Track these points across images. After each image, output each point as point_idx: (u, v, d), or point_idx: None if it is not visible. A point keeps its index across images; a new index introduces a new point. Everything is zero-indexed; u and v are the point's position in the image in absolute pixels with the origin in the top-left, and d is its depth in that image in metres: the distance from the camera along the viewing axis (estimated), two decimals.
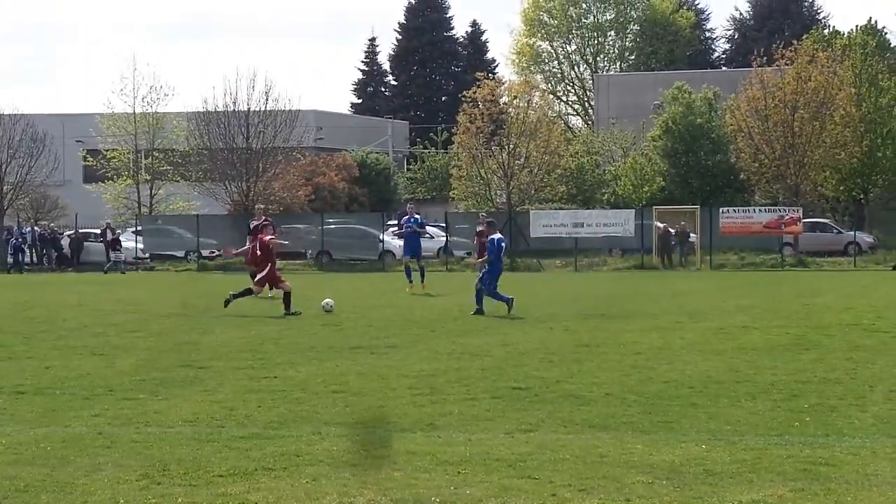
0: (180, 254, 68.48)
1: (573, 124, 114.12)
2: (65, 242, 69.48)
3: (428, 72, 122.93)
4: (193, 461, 11.87)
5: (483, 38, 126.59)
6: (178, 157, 75.89)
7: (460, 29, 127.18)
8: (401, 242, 47.22)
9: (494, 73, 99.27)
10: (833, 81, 65.92)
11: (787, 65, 67.35)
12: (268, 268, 30.63)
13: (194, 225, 67.71)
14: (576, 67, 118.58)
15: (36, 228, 70.09)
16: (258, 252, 31.39)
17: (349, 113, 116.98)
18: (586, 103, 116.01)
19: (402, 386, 16.80)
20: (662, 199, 68.93)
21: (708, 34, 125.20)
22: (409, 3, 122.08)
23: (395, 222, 45.23)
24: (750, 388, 16.35)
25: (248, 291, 30.78)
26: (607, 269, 60.44)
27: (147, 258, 68.28)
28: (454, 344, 22.27)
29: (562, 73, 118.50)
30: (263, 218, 39.46)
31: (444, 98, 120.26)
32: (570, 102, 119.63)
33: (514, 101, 72.67)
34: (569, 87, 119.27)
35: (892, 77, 72.29)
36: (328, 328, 25.91)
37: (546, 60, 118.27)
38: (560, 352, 20.76)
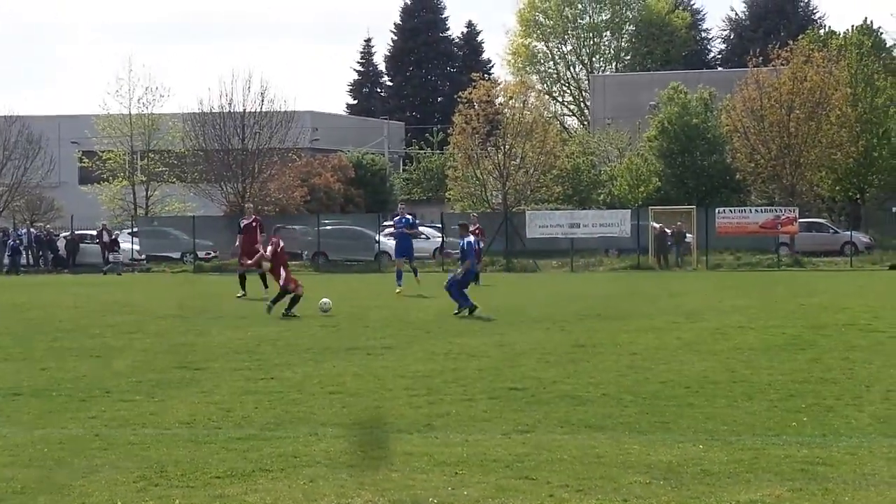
0: (176, 255, 68.46)
1: (569, 125, 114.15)
2: (61, 244, 69.47)
3: (424, 72, 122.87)
4: (191, 463, 11.87)
5: (479, 38, 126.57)
6: (174, 158, 75.81)
7: (456, 29, 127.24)
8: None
9: (490, 74, 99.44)
10: (829, 81, 65.97)
11: (782, 65, 67.40)
12: (283, 273, 30.34)
13: (190, 226, 67.71)
14: (571, 68, 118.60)
15: (32, 230, 70.08)
16: (278, 256, 31.01)
17: (345, 114, 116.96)
18: (582, 104, 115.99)
19: (399, 387, 16.80)
20: (658, 200, 68.92)
21: (704, 34, 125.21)
22: (405, 3, 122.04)
23: (391, 223, 45.47)
24: (747, 388, 16.36)
25: (284, 294, 30.21)
26: (603, 269, 60.45)
27: (143, 260, 68.29)
28: (450, 345, 22.27)
29: (557, 74, 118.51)
30: (253, 217, 39.48)
31: (439, 99, 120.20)
32: (566, 103, 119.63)
33: (510, 102, 72.69)
34: (564, 88, 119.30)
35: (888, 77, 72.35)
36: (325, 329, 25.90)
37: (542, 61, 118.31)
38: (556, 352, 20.76)
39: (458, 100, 71.82)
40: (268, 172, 69.60)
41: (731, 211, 63.24)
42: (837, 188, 71.86)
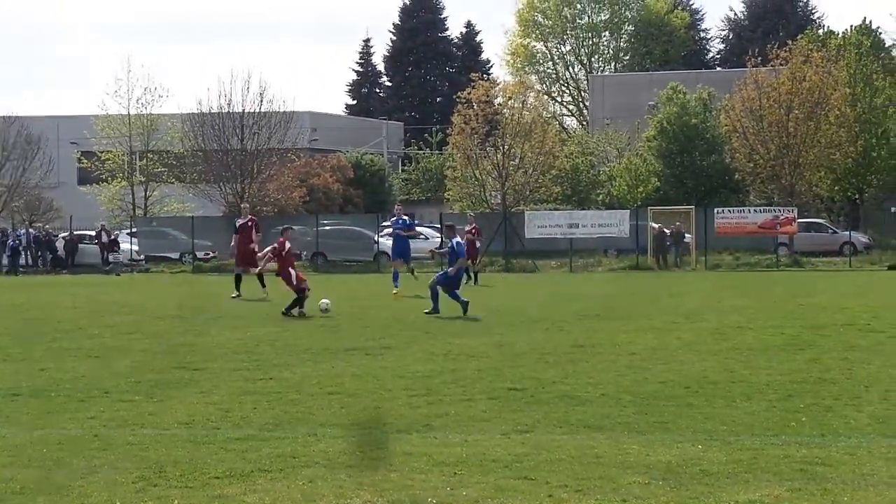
0: (175, 255, 68.49)
1: (568, 125, 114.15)
2: (59, 244, 69.48)
3: (422, 73, 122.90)
4: (189, 463, 11.87)
5: (477, 38, 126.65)
6: (173, 158, 75.85)
7: (455, 30, 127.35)
8: None
9: (489, 74, 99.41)
10: (828, 81, 65.98)
11: (781, 65, 67.41)
12: (291, 274, 30.31)
13: (189, 227, 67.74)
14: (570, 68, 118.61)
15: (31, 230, 70.09)
16: (283, 256, 30.98)
17: (344, 114, 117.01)
18: (581, 104, 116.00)
19: (398, 387, 16.80)
20: (657, 200, 68.94)
21: (702, 34, 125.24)
22: (404, 3, 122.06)
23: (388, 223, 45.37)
24: (745, 388, 16.36)
25: (302, 295, 30.14)
26: (602, 269, 60.45)
27: (142, 260, 68.32)
28: (450, 345, 22.26)
29: (556, 74, 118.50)
30: (249, 217, 39.44)
31: (438, 99, 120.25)
32: (565, 103, 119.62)
33: (509, 102, 72.73)
34: (563, 88, 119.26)
35: (887, 77, 72.38)
36: (323, 330, 25.90)
37: (541, 61, 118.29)
38: (556, 352, 20.76)
39: (457, 100, 71.82)
40: (267, 173, 69.63)
41: (729, 211, 63.25)
42: (836, 188, 71.89)
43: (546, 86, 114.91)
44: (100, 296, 41.05)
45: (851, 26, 77.15)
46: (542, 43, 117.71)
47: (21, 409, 15.35)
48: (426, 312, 28.99)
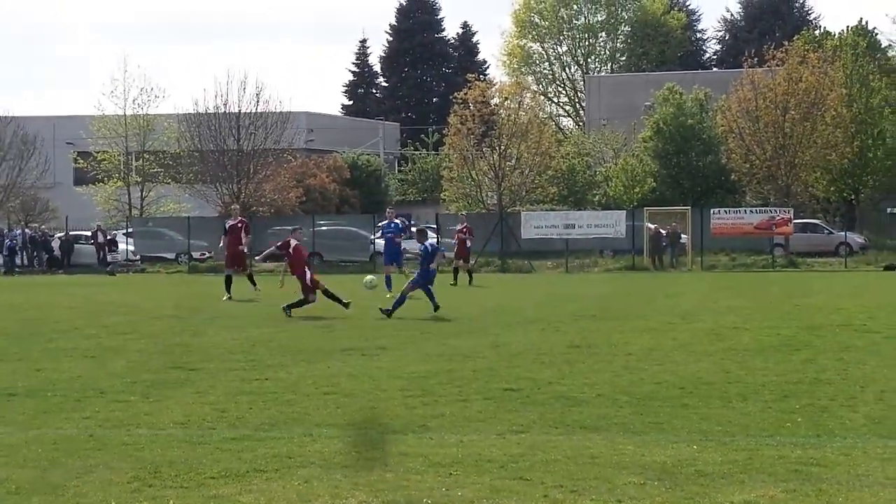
0: (171, 256, 68.51)
1: (564, 125, 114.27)
2: (55, 245, 69.47)
3: (419, 73, 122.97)
4: (185, 463, 11.87)
5: (474, 39, 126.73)
6: (169, 158, 75.84)
7: (451, 30, 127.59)
8: None
9: (485, 75, 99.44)
10: (824, 82, 65.97)
11: (777, 66, 67.39)
12: (306, 273, 30.32)
13: (185, 227, 67.74)
14: (567, 68, 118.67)
15: (27, 231, 70.06)
16: (291, 257, 30.96)
17: (340, 114, 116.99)
18: (577, 104, 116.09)
19: (394, 388, 16.80)
20: (653, 200, 68.96)
21: (699, 35, 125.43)
22: (400, 4, 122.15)
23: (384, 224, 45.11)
24: (741, 388, 16.37)
25: (331, 294, 30.19)
26: (598, 270, 60.46)
27: (138, 260, 68.33)
28: (445, 346, 22.27)
29: (553, 75, 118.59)
30: (239, 219, 39.37)
31: (434, 99, 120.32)
32: (562, 104, 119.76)
33: (505, 103, 72.69)
34: (560, 89, 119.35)
35: (883, 78, 72.41)
36: (319, 330, 25.91)
37: (537, 62, 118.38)
38: (551, 353, 20.76)
39: (454, 100, 71.77)
40: (263, 173, 69.57)
41: (726, 212, 63.27)
42: (832, 189, 71.91)
43: (542, 86, 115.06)
44: (96, 296, 41.05)
45: (848, 27, 77.21)
46: (538, 44, 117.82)
47: (17, 409, 15.35)
48: (384, 312, 28.84)
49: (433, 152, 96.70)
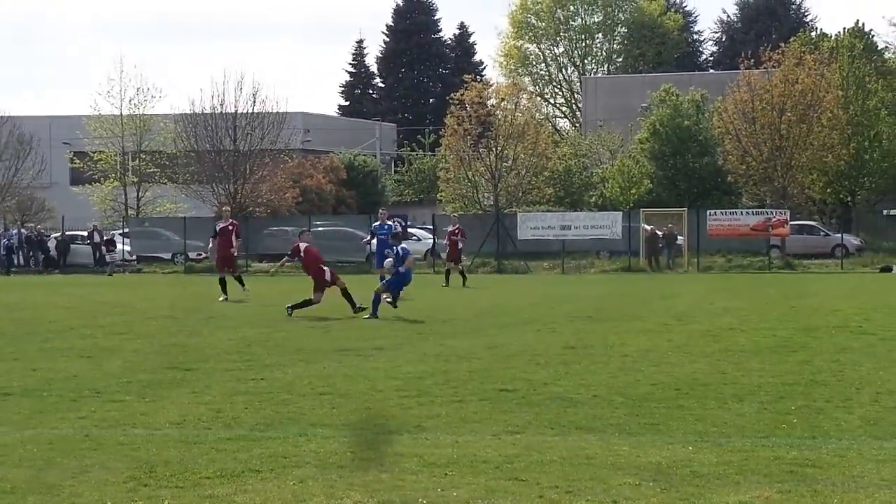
0: (167, 256, 68.51)
1: (561, 127, 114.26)
2: (51, 245, 69.47)
3: (415, 74, 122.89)
4: (180, 463, 11.86)
5: (471, 40, 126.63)
6: (166, 159, 75.85)
7: (448, 31, 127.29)
8: None
9: (482, 76, 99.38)
10: (820, 84, 66.02)
11: (774, 67, 67.43)
12: (324, 271, 30.32)
13: (181, 227, 67.76)
14: (563, 70, 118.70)
15: (23, 231, 70.04)
16: (304, 259, 30.94)
17: (337, 115, 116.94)
18: (574, 105, 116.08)
19: (389, 388, 16.80)
20: (650, 202, 68.99)
21: (695, 37, 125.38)
22: (397, 5, 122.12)
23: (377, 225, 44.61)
24: (737, 389, 16.37)
25: (347, 295, 30.22)
26: (595, 271, 60.49)
27: (134, 260, 68.33)
28: (441, 346, 22.27)
29: (549, 76, 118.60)
30: (230, 221, 39.33)
31: (431, 100, 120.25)
32: (558, 105, 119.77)
33: (502, 104, 72.75)
34: (556, 90, 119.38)
35: (880, 80, 72.49)
36: (315, 330, 25.92)
37: (534, 63, 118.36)
38: (547, 354, 20.76)
39: (450, 101, 71.84)
40: (259, 173, 69.58)
41: (722, 213, 63.31)
42: (828, 190, 71.97)
43: (539, 87, 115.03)
44: (92, 296, 41.03)
45: (844, 29, 77.34)
46: (535, 45, 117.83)
47: (12, 409, 15.33)
48: (365, 317, 28.75)
49: (430, 153, 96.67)
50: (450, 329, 26.30)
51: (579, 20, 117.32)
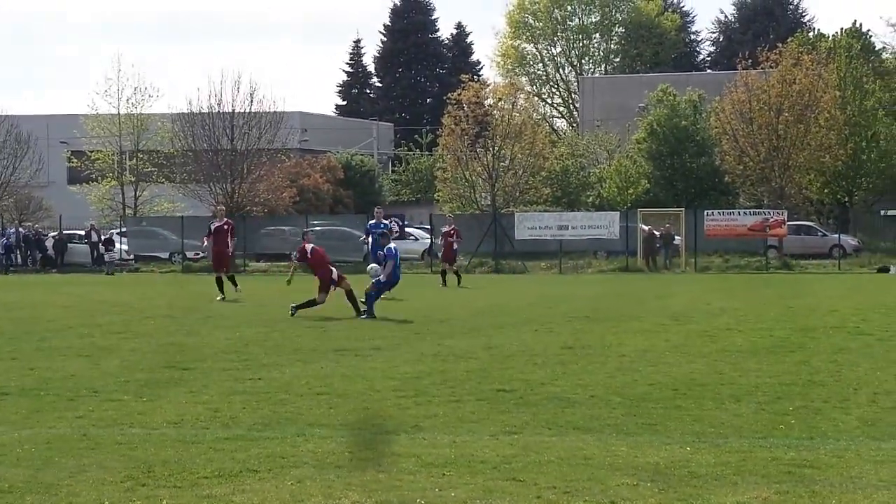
0: (165, 255, 68.51)
1: (558, 127, 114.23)
2: (49, 244, 69.45)
3: (413, 74, 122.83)
4: (178, 463, 11.86)
5: (468, 40, 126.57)
6: (163, 158, 75.76)
7: (445, 31, 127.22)
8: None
9: (479, 76, 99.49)
10: (818, 84, 66.02)
11: (771, 67, 67.43)
12: (332, 271, 30.32)
13: (179, 226, 67.75)
14: (561, 70, 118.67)
15: (20, 230, 70.02)
16: (309, 259, 30.92)
17: (334, 115, 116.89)
18: (571, 105, 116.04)
19: (387, 388, 16.79)
20: (647, 202, 68.98)
21: (693, 37, 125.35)
22: (394, 4, 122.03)
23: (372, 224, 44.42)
24: (734, 390, 16.37)
25: (352, 297, 30.23)
26: (592, 271, 60.50)
27: (131, 259, 68.33)
28: (439, 346, 22.26)
29: (547, 76, 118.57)
30: (225, 220, 39.29)
31: (428, 100, 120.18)
32: (555, 105, 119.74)
33: (499, 104, 72.69)
34: (554, 90, 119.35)
35: (877, 80, 72.51)
36: (313, 330, 25.90)
37: (531, 63, 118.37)
38: (545, 354, 20.76)
39: (448, 101, 71.79)
40: (257, 173, 69.56)
41: (719, 213, 63.30)
42: (826, 191, 71.98)
43: (536, 87, 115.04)
44: (90, 295, 41.02)
45: (842, 29, 77.35)
46: (532, 45, 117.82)
47: (10, 408, 15.33)
48: (363, 318, 28.78)
49: (427, 153, 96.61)
50: (447, 329, 26.29)
51: (577, 20, 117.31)
